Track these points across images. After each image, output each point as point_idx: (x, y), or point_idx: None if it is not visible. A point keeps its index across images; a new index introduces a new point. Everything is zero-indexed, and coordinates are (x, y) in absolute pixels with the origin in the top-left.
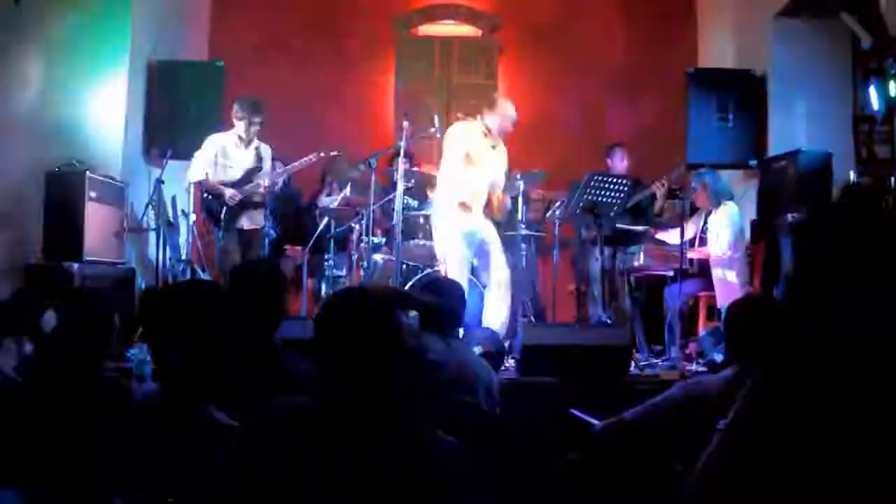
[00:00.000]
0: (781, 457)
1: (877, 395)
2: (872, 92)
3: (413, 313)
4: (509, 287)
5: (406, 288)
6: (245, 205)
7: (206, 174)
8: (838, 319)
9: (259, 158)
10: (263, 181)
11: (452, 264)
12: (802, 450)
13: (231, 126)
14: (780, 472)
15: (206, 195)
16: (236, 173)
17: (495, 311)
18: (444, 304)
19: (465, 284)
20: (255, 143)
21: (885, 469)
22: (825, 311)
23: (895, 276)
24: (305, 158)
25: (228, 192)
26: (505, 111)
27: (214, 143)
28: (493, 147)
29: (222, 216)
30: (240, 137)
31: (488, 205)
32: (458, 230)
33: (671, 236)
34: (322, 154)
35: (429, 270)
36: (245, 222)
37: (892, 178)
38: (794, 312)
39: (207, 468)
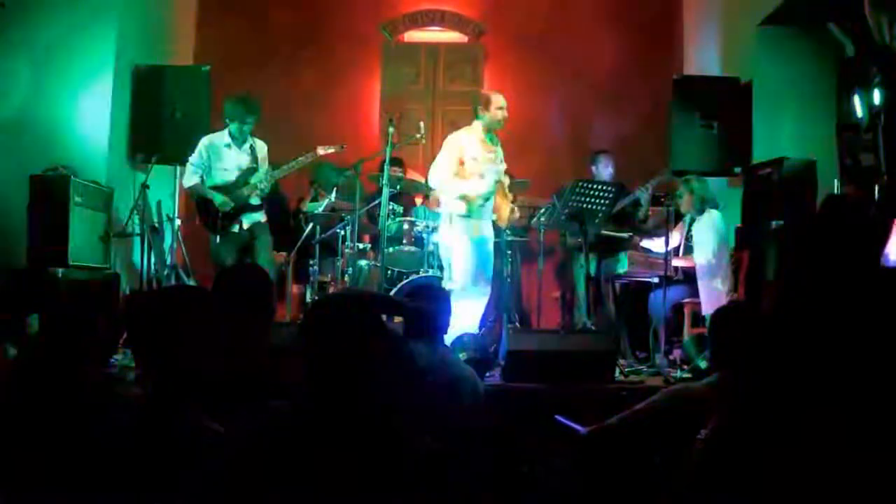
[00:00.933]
0: (764, 462)
1: (860, 401)
2: (856, 100)
3: (398, 319)
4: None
5: (391, 294)
6: (242, 208)
7: (201, 178)
8: (820, 327)
9: (254, 158)
10: (259, 182)
11: (457, 272)
12: (785, 456)
13: (223, 126)
14: (763, 478)
15: (199, 202)
16: (231, 175)
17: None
18: (430, 309)
19: (469, 291)
20: (249, 141)
21: (869, 471)
22: (807, 318)
23: (876, 284)
24: (303, 156)
25: (218, 199)
26: (498, 103)
27: (207, 146)
28: (493, 153)
29: (218, 221)
30: (233, 137)
31: (497, 212)
32: (464, 237)
33: (656, 244)
34: (320, 151)
35: (413, 276)
36: (244, 223)
37: (876, 187)
38: (776, 320)
39: (193, 473)
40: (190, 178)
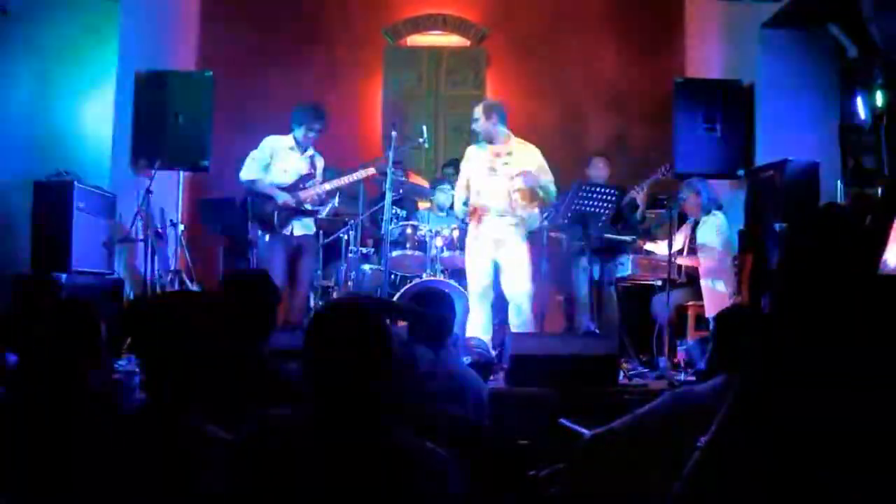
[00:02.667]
0: (763, 469)
1: (858, 407)
2: (859, 102)
3: (402, 323)
4: None
5: (395, 298)
6: (297, 211)
7: (259, 175)
8: (820, 333)
9: (313, 166)
10: (316, 189)
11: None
12: (783, 462)
13: (289, 130)
14: (762, 485)
15: (255, 198)
16: (289, 178)
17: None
18: (434, 313)
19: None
20: (311, 150)
21: (867, 480)
22: (807, 325)
23: (873, 292)
24: (359, 172)
25: (282, 196)
26: None
27: (270, 145)
28: None
29: (275, 220)
30: (297, 142)
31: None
32: None
33: (659, 247)
34: (376, 168)
35: (417, 280)
36: (296, 228)
37: (880, 189)
38: (777, 324)
39: (197, 480)
40: (249, 173)
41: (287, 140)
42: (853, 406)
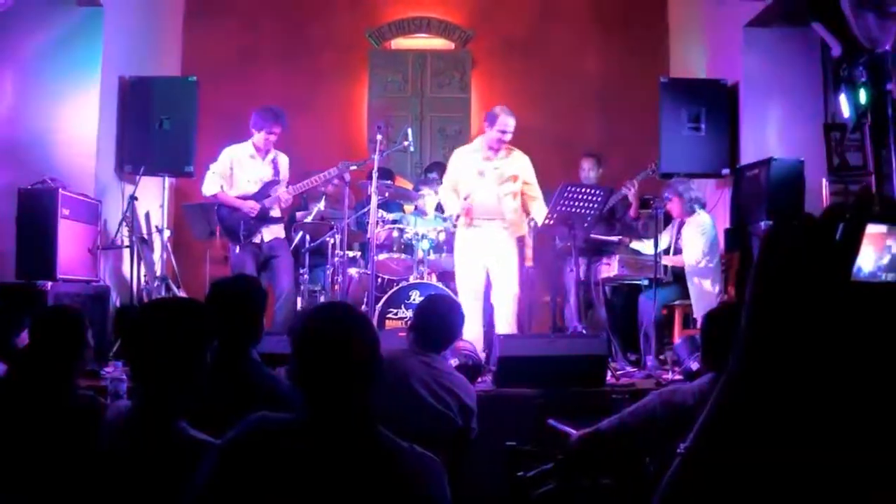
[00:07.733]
0: (749, 473)
1: (846, 415)
2: (843, 100)
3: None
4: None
5: (384, 298)
6: (264, 218)
7: (221, 187)
8: (792, 343)
9: (276, 170)
10: (282, 193)
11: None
12: (771, 467)
13: (248, 136)
14: (748, 490)
15: (220, 210)
16: (253, 186)
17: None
18: (433, 321)
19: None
20: (273, 153)
21: (857, 488)
22: (779, 337)
23: (846, 301)
24: (326, 172)
25: (248, 204)
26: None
27: (229, 156)
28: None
29: (241, 230)
30: (257, 148)
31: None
32: None
33: (646, 246)
34: (343, 167)
35: (403, 284)
36: (265, 235)
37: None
38: (759, 330)
39: (184, 486)
40: (211, 187)
41: (246, 148)
42: (832, 413)
